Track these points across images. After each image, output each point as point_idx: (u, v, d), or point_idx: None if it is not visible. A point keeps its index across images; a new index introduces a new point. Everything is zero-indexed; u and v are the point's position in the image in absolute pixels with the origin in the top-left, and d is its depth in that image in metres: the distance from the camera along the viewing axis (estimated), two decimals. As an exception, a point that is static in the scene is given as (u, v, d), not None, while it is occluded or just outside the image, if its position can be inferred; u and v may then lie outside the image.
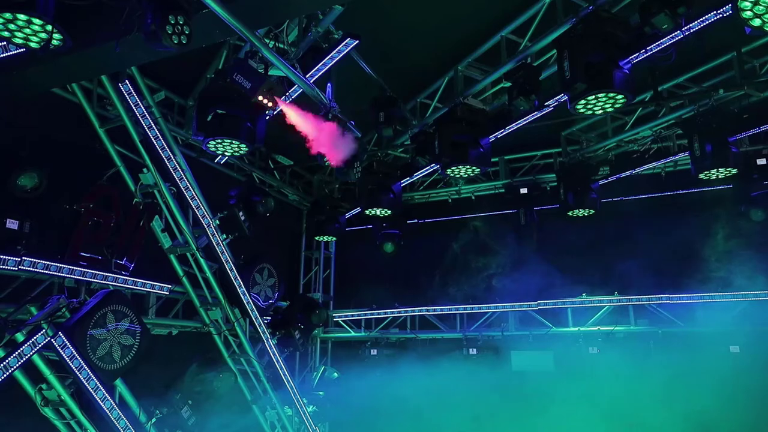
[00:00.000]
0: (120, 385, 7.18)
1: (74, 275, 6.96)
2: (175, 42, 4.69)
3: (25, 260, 6.44)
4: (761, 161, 9.20)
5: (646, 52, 6.76)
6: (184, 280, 8.68)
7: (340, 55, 7.39)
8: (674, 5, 5.71)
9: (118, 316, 6.82)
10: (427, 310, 11.52)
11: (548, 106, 8.44)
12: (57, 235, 7.19)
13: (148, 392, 7.71)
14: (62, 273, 6.85)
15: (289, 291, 11.18)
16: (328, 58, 7.42)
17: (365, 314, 12.09)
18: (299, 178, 12.65)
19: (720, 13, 6.39)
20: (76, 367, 6.35)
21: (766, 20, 4.79)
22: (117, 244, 7.50)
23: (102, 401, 6.63)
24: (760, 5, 4.68)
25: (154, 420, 7.50)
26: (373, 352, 11.57)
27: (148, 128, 7.88)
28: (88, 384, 6.46)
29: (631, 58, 6.62)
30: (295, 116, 7.29)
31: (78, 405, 6.62)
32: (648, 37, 6.53)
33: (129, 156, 7.99)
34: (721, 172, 8.47)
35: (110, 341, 6.70)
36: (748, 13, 4.77)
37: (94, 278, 7.17)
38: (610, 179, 10.43)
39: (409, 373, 10.32)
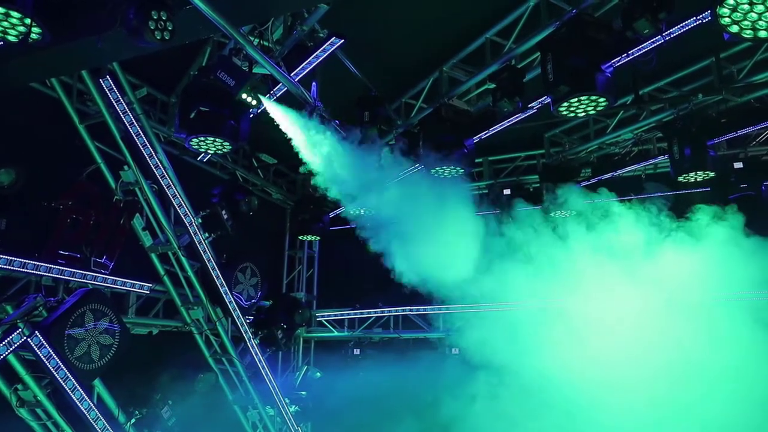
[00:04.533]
0: (98, 385, 7.06)
1: (52, 273, 6.85)
2: (158, 38, 4.64)
3: (0, 258, 6.32)
4: (738, 165, 9.40)
5: (628, 55, 6.86)
6: (165, 279, 8.58)
7: (326, 54, 7.38)
8: (655, 10, 5.80)
9: (97, 315, 6.72)
10: (410, 310, 11.55)
11: (532, 108, 8.52)
12: (34, 233, 7.08)
13: (127, 392, 7.60)
14: (39, 271, 6.74)
15: (272, 290, 11.11)
16: (313, 56, 7.40)
17: (348, 314, 12.07)
18: (283, 177, 12.59)
19: (700, 19, 6.52)
20: (53, 367, 6.25)
21: (743, 27, 4.89)
22: (96, 243, 7.39)
23: (79, 402, 6.53)
24: (738, 12, 4.78)
25: (133, 420, 7.41)
26: (357, 351, 11.56)
27: (130, 125, 7.77)
28: (66, 384, 6.36)
29: (614, 62, 6.71)
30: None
31: (55, 406, 6.52)
32: (630, 41, 6.63)
33: (109, 153, 7.87)
34: (700, 175, 8.64)
35: (88, 341, 6.60)
36: (727, 20, 4.87)
37: (72, 277, 7.06)
38: (592, 181, 10.57)
39: (392, 372, 10.33)
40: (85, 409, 6.61)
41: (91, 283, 7.23)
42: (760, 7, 4.68)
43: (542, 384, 8.57)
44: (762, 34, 4.92)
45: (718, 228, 8.66)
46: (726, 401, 7.64)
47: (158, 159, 8.14)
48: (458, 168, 8.87)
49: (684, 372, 7.96)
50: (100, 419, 6.77)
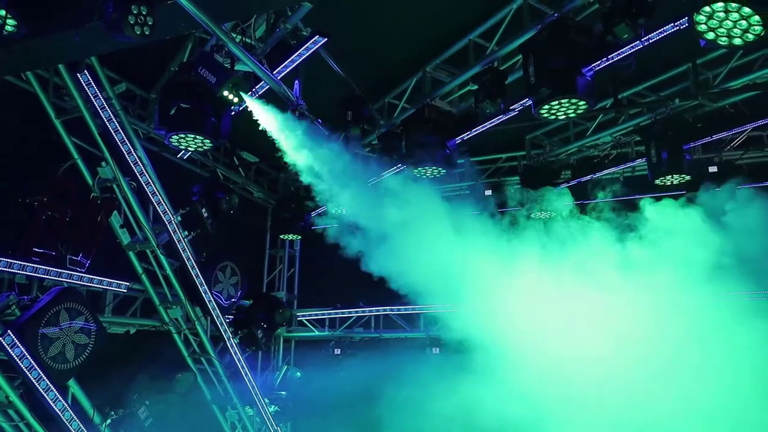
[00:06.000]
0: (73, 386, 6.94)
1: (26, 271, 6.72)
2: (138, 33, 4.56)
3: (-28, 255, 6.18)
4: (713, 169, 9.61)
5: (607, 60, 6.96)
6: (143, 277, 8.46)
7: (309, 53, 7.35)
8: (635, 16, 5.91)
9: (72, 314, 6.61)
10: (391, 310, 11.56)
11: (513, 109, 8.59)
12: (9, 230, 6.92)
13: (103, 393, 7.48)
14: (13, 269, 6.60)
15: (253, 289, 11.03)
16: (296, 55, 7.36)
17: (329, 313, 12.05)
18: (264, 176, 12.50)
19: (677, 26, 6.64)
20: (26, 367, 6.12)
21: (719, 34, 5.01)
22: (72, 240, 7.26)
23: (53, 402, 6.41)
24: (714, 20, 4.89)
25: (109, 421, 7.30)
26: (337, 351, 11.54)
27: (108, 120, 7.64)
28: (39, 384, 6.24)
29: (594, 66, 6.81)
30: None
31: (27, 406, 6.38)
32: (610, 46, 6.73)
33: (87, 149, 7.74)
34: (676, 179, 8.84)
35: (63, 340, 6.48)
36: (703, 27, 4.99)
37: (47, 275, 6.92)
38: (572, 183, 10.71)
39: (373, 372, 10.33)
40: (59, 410, 6.49)
41: (67, 282, 7.10)
42: (735, 15, 4.80)
43: (526, 380, 8.63)
44: (737, 41, 5.04)
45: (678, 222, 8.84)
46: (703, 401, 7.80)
47: (137, 155, 8.02)
48: (440, 168, 8.92)
49: (660, 370, 8.10)
50: (75, 420, 6.65)
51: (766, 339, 7.66)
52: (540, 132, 10.81)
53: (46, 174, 7.32)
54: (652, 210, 8.81)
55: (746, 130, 9.47)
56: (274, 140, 8.16)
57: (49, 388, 6.33)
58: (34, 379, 6.19)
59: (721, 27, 4.93)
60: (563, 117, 7.18)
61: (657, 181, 8.90)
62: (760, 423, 7.49)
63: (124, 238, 8.27)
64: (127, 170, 7.97)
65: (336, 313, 11.99)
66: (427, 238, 8.73)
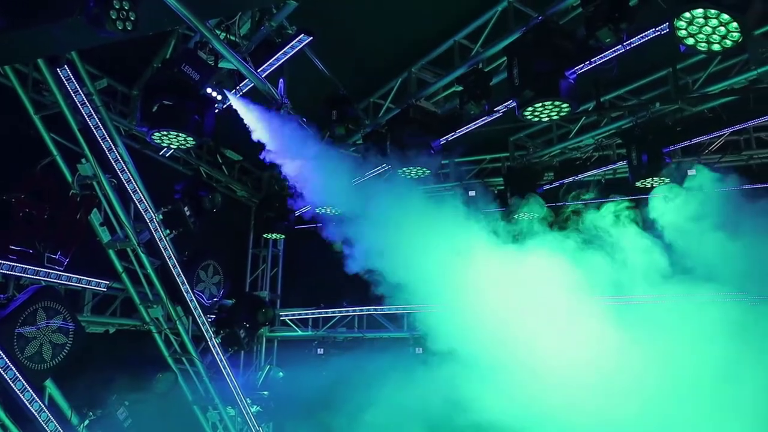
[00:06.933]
0: (50, 386, 6.81)
1: (2, 269, 6.58)
2: (120, 28, 4.49)
3: (-54, 252, 6.04)
4: (692, 172, 9.79)
5: (590, 63, 7.07)
6: (124, 276, 8.34)
7: (294, 51, 7.33)
8: (617, 20, 6.00)
9: (50, 313, 6.49)
10: (375, 310, 11.56)
11: (498, 111, 8.67)
12: (-17, 227, 6.76)
13: (81, 393, 7.36)
14: (-12, 267, 6.46)
15: (236, 289, 10.94)
16: (281, 53, 7.34)
17: (313, 313, 12.01)
18: (248, 174, 12.42)
19: (658, 31, 6.77)
20: (1, 367, 6.00)
21: (698, 40, 5.12)
22: (51, 238, 7.12)
23: (29, 403, 6.28)
24: (694, 26, 4.99)
25: (87, 422, 7.17)
26: (320, 351, 11.51)
27: (88, 116, 7.51)
28: (15, 385, 6.10)
29: (577, 69, 6.91)
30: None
31: (3, 407, 6.24)
32: (592, 50, 6.83)
33: (66, 145, 7.59)
34: (656, 181, 8.99)
35: (40, 340, 6.36)
36: (683, 32, 5.09)
37: (24, 273, 6.78)
38: (554, 184, 10.82)
39: (356, 372, 10.32)
40: (36, 411, 6.36)
41: (45, 280, 6.97)
42: (714, 22, 4.91)
43: (509, 380, 8.71)
44: (715, 47, 5.16)
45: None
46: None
47: (118, 152, 7.90)
48: (425, 168, 8.95)
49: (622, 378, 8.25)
50: (52, 421, 6.53)
51: (703, 339, 7.88)
52: (524, 134, 10.91)
53: (23, 171, 7.17)
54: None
55: (724, 134, 9.66)
56: (258, 139, 8.12)
57: (25, 388, 6.20)
58: (10, 379, 6.06)
59: (700, 33, 5.04)
60: (546, 119, 7.26)
61: (637, 184, 9.05)
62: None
63: (104, 236, 8.14)
64: (107, 167, 7.84)
65: (319, 313, 11.96)
66: (411, 239, 8.75)
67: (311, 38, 7.18)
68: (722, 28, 4.94)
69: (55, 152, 7.47)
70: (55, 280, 7.13)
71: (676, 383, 7.97)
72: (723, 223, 8.42)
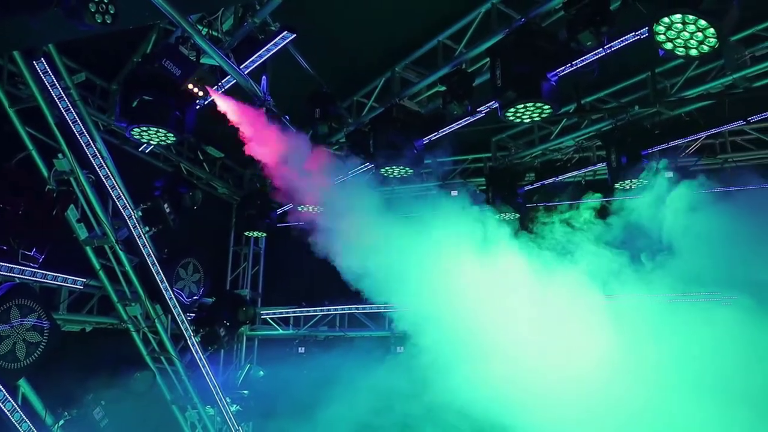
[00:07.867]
0: (24, 385, 6.68)
1: (-26, 266, 6.43)
2: (98, 21, 4.41)
3: None
4: (669, 174, 9.97)
5: (571, 66, 7.14)
6: (101, 273, 8.20)
7: (277, 48, 7.28)
8: (598, 24, 6.10)
9: (24, 311, 6.38)
10: (356, 309, 11.56)
11: (480, 112, 8.72)
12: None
13: (56, 392, 7.23)
14: (-40, 264, 6.31)
15: (216, 287, 10.84)
16: (264, 50, 7.27)
17: (294, 312, 11.95)
18: (229, 171, 12.30)
19: (638, 35, 6.88)
20: (-28, 366, 5.87)
21: (677, 45, 5.23)
22: (25, 234, 6.98)
23: (2, 402, 6.17)
24: (672, 31, 5.09)
25: (62, 422, 7.06)
26: (301, 350, 11.46)
27: (65, 111, 7.37)
28: (-13, 384, 5.99)
29: (558, 71, 6.99)
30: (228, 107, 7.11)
31: (-26, 407, 6.12)
32: (574, 53, 6.92)
33: (42, 140, 7.44)
34: (634, 183, 9.14)
35: (14, 338, 6.24)
36: (662, 37, 5.20)
37: (-3, 270, 6.65)
38: (535, 185, 10.94)
39: (337, 371, 10.31)
40: (8, 411, 6.24)
41: (18, 277, 6.84)
42: (692, 27, 5.02)
43: (491, 379, 8.78)
44: (693, 52, 5.27)
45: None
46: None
47: (96, 148, 7.78)
48: (407, 168, 8.97)
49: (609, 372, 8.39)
50: (25, 421, 6.41)
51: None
52: (506, 134, 11.00)
53: (-3, 165, 7.01)
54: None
55: (700, 138, 9.87)
56: (240, 135, 8.05)
57: (-2, 388, 6.08)
58: (-18, 378, 5.94)
59: (678, 38, 5.15)
60: (528, 120, 7.34)
61: (616, 185, 9.19)
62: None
63: (81, 233, 8.00)
64: (85, 163, 7.72)
65: (300, 312, 11.91)
66: (392, 238, 8.77)
67: (294, 35, 7.14)
68: (700, 34, 5.05)
69: (30, 147, 7.32)
70: (29, 278, 7.00)
71: (642, 372, 8.12)
72: (706, 226, 8.57)
